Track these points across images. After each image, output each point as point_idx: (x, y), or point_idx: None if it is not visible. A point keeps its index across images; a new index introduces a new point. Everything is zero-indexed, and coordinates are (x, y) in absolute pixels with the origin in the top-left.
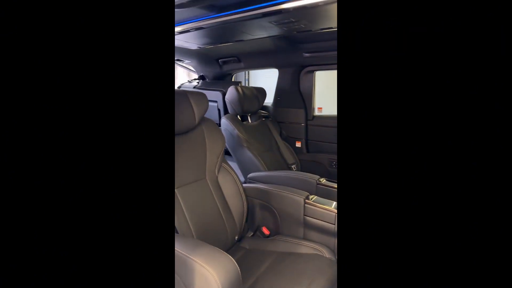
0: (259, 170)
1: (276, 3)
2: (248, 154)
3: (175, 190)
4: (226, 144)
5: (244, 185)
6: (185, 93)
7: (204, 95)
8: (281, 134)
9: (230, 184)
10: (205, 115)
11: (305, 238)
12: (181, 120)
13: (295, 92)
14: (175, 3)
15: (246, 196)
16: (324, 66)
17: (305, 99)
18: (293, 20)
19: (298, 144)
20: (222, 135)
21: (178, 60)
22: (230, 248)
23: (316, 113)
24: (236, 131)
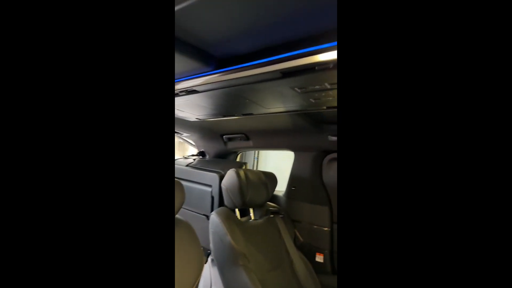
0: None
1: (310, 51)
2: (244, 278)
3: None
4: (212, 256)
5: None
6: None
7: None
8: (295, 240)
9: None
10: (184, 207)
11: None
12: None
13: (316, 183)
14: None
15: None
16: None
17: (330, 194)
18: (329, 85)
19: (319, 258)
20: (201, 260)
21: (176, 132)
22: None
23: None
24: (228, 238)
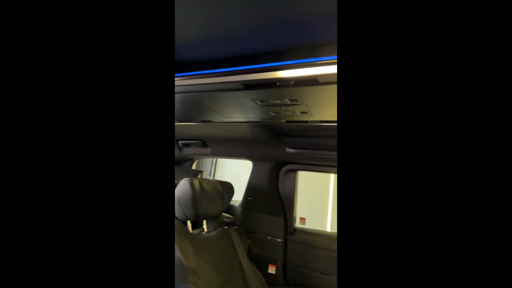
0: None
1: (272, 66)
2: None
3: None
4: None
5: None
6: None
7: None
8: (249, 252)
9: None
10: None
11: None
12: None
13: (272, 194)
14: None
15: None
16: (311, 166)
17: (285, 204)
18: (289, 101)
19: (271, 269)
20: None
21: None
22: None
23: (298, 224)
24: (177, 254)
